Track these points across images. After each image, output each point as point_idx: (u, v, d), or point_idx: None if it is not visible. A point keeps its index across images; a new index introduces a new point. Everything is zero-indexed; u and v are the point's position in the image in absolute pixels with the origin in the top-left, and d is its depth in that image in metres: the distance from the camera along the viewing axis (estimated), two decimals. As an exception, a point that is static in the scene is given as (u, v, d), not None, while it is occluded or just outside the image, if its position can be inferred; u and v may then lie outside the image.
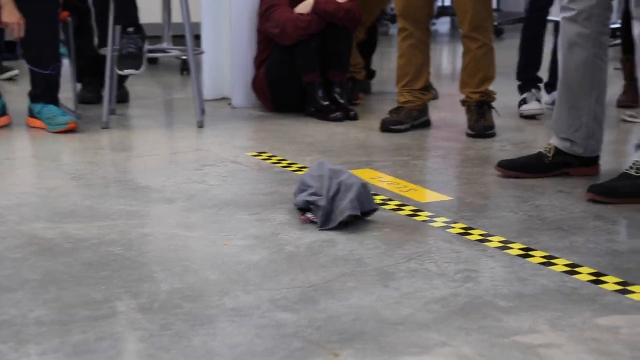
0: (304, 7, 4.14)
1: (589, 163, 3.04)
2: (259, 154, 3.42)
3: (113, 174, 3.14)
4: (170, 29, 4.71)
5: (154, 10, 4.89)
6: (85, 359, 1.67)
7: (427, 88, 3.97)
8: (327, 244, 2.33)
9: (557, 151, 3.02)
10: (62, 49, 4.05)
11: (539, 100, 4.06)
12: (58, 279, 2.08)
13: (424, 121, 3.95)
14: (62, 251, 2.28)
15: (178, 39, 4.57)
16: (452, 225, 2.50)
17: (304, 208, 2.55)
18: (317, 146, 3.56)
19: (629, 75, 4.33)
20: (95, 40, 4.56)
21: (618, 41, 5.53)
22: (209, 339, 1.76)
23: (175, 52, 4.62)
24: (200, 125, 3.95)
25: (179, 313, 1.88)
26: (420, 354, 1.69)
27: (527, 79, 4.21)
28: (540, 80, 4.22)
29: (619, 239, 2.37)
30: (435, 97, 4.57)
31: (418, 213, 2.61)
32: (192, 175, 3.08)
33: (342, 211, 2.43)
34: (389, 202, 2.73)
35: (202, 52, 4.49)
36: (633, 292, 1.99)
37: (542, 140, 3.55)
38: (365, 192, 2.49)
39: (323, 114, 4.11)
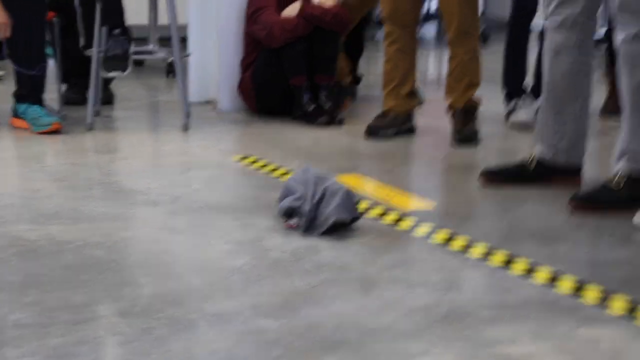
0: (291, 11, 4.14)
1: (572, 173, 3.05)
2: (244, 157, 3.42)
3: (97, 176, 3.13)
4: (156, 31, 4.70)
5: (141, 12, 4.87)
6: (65, 363, 1.67)
7: (414, 93, 3.98)
8: (310, 250, 2.33)
9: (540, 160, 3.03)
10: (48, 50, 4.03)
11: (527, 109, 4.07)
12: (39, 282, 2.07)
13: (410, 127, 3.95)
14: (45, 253, 2.27)
15: (164, 41, 4.56)
16: (436, 233, 2.50)
17: (288, 213, 2.55)
18: (303, 151, 3.56)
19: (613, 82, 4.35)
20: (82, 41, 4.54)
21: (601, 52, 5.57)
22: (190, 345, 1.75)
23: (161, 55, 4.61)
24: (186, 128, 3.94)
25: (161, 318, 1.87)
26: (401, 363, 1.69)
27: (513, 87, 4.22)
28: (527, 87, 4.23)
29: (601, 249, 2.38)
30: (421, 103, 4.58)
31: (402, 220, 2.62)
32: (176, 178, 3.08)
33: (327, 217, 2.43)
34: (373, 209, 2.73)
35: (188, 55, 4.48)
36: (614, 303, 2.00)
37: (526, 148, 3.56)
38: (349, 199, 2.49)
39: (309, 119, 4.11)
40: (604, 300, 2.01)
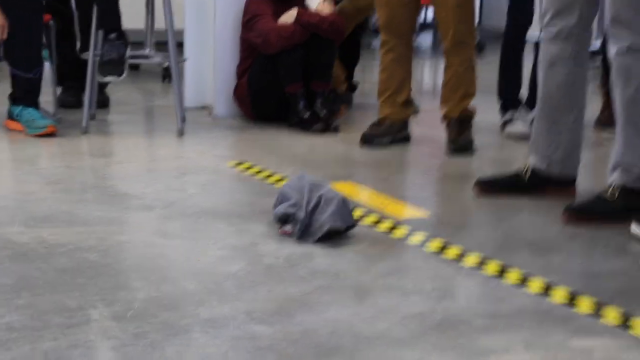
0: (287, 18, 4.15)
1: (566, 184, 3.05)
2: (239, 163, 3.42)
3: (92, 180, 3.12)
4: (153, 36, 4.70)
5: (137, 16, 4.87)
6: (57, 367, 1.66)
7: (409, 102, 3.98)
8: (305, 256, 2.33)
9: (535, 171, 3.04)
10: (44, 53, 4.03)
11: (523, 121, 4.08)
12: (32, 285, 2.06)
13: (405, 136, 3.96)
14: (37, 256, 2.26)
15: (161, 46, 4.56)
16: (430, 242, 2.50)
17: (283, 219, 2.54)
18: (298, 158, 3.56)
19: (607, 95, 4.36)
20: (78, 45, 4.54)
21: (597, 64, 5.59)
22: (183, 350, 1.75)
23: (157, 59, 4.61)
24: (181, 133, 3.94)
25: (154, 322, 1.87)
26: (395, 371, 1.69)
27: (509, 99, 4.23)
28: (522, 99, 4.24)
29: (595, 260, 2.38)
30: (416, 112, 4.58)
31: (396, 228, 2.62)
32: (171, 183, 3.07)
33: (321, 225, 2.43)
34: (367, 217, 2.73)
35: (184, 60, 4.48)
36: (608, 314, 2.00)
37: (521, 158, 3.57)
38: (345, 207, 2.49)
39: (305, 126, 4.11)
40: (598, 310, 2.02)
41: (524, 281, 2.20)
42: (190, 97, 4.64)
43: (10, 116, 3.89)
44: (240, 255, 2.32)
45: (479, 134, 3.90)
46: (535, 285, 2.17)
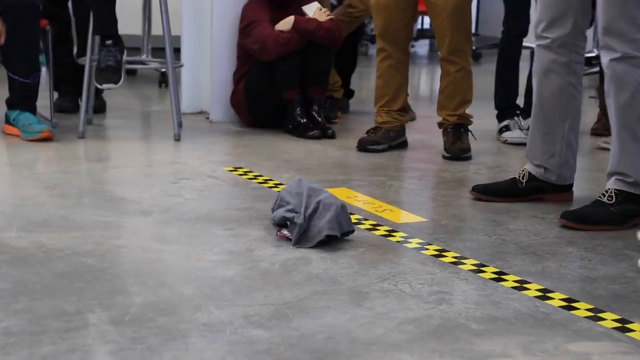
0: (284, 25, 4.16)
1: (563, 189, 3.07)
2: (236, 169, 3.42)
3: (88, 185, 3.12)
4: (150, 41, 4.72)
5: (134, 22, 4.89)
6: (55, 370, 1.66)
7: (405, 109, 3.99)
8: (301, 261, 2.33)
9: (531, 177, 3.05)
10: (41, 58, 4.03)
11: (521, 129, 4.09)
12: (29, 289, 2.06)
13: (401, 142, 3.97)
14: (35, 261, 2.26)
15: (157, 52, 4.57)
16: (427, 246, 2.51)
17: (281, 224, 2.55)
18: (294, 163, 3.56)
19: (604, 104, 4.38)
20: (75, 50, 4.54)
21: (595, 69, 5.61)
22: (181, 354, 1.75)
23: (154, 65, 4.62)
24: (178, 138, 3.94)
25: (152, 327, 1.87)
26: (392, 375, 1.69)
27: (505, 107, 4.24)
28: (519, 107, 4.25)
29: (592, 265, 2.39)
30: (412, 119, 4.60)
31: (393, 234, 2.62)
32: (168, 188, 3.07)
33: (319, 231, 2.44)
34: (364, 222, 2.73)
35: (181, 65, 4.49)
36: (605, 318, 2.00)
37: (518, 164, 3.58)
38: (343, 213, 2.50)
39: (301, 132, 4.12)
40: (595, 315, 2.02)
41: (521, 286, 2.20)
42: (187, 103, 4.65)
43: (8, 121, 3.89)
44: (237, 260, 2.32)
45: (476, 141, 3.91)
46: (532, 289, 2.18)
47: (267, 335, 1.84)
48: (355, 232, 2.56)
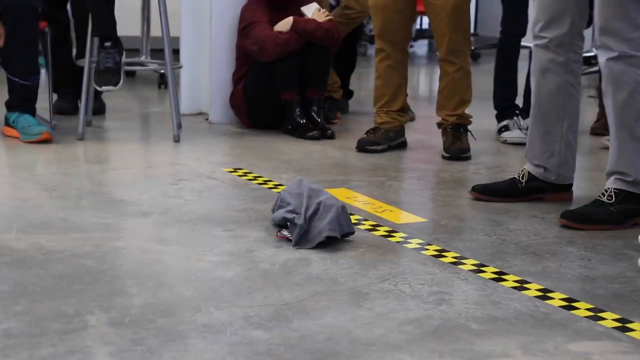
0: (283, 26, 4.16)
1: (562, 189, 3.07)
2: (235, 170, 3.42)
3: (88, 186, 3.12)
4: (148, 43, 4.72)
5: (133, 23, 4.89)
6: (54, 372, 1.66)
7: (404, 109, 3.99)
8: (301, 262, 2.33)
9: (531, 177, 3.05)
10: (40, 60, 4.03)
11: (520, 129, 4.09)
12: (29, 291, 2.06)
13: (401, 142, 3.97)
14: (34, 263, 2.26)
15: (156, 53, 4.57)
16: (427, 247, 2.50)
17: (281, 224, 2.55)
18: (294, 164, 3.56)
19: (603, 103, 4.38)
20: (74, 52, 4.54)
21: (594, 69, 5.61)
22: (180, 355, 1.74)
23: (153, 66, 4.62)
24: (177, 139, 3.94)
25: (151, 328, 1.86)
26: (392, 376, 1.69)
27: (504, 107, 4.24)
28: (518, 107, 4.25)
29: (592, 265, 2.39)
30: (412, 119, 4.60)
31: (393, 234, 2.62)
32: (167, 189, 3.07)
33: (320, 232, 2.43)
34: (364, 222, 2.73)
35: (180, 67, 4.49)
36: (605, 318, 2.00)
37: (517, 164, 3.58)
38: (344, 214, 2.49)
39: (300, 132, 4.12)
40: (595, 314, 2.02)
41: (521, 285, 2.20)
42: (186, 104, 4.65)
43: (7, 123, 3.90)
44: (237, 261, 2.32)
45: (475, 141, 3.91)
46: (532, 289, 2.17)
47: (267, 336, 1.84)
48: (355, 233, 2.56)
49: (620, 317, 2.01)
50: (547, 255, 2.46)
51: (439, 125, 3.90)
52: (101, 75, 3.86)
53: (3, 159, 3.56)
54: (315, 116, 4.19)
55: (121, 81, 3.88)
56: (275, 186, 3.16)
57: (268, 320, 1.92)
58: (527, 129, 3.61)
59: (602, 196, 2.77)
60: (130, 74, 6.07)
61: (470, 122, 3.88)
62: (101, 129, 4.25)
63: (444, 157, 3.76)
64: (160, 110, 4.90)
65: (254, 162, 3.57)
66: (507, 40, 4.18)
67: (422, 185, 3.33)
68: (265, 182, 3.23)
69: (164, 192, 3.03)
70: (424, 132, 4.32)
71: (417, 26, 9.06)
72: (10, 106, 3.89)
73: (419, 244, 2.53)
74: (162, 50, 4.02)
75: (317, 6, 4.26)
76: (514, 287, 2.19)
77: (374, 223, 2.73)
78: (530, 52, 3.09)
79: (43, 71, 4.35)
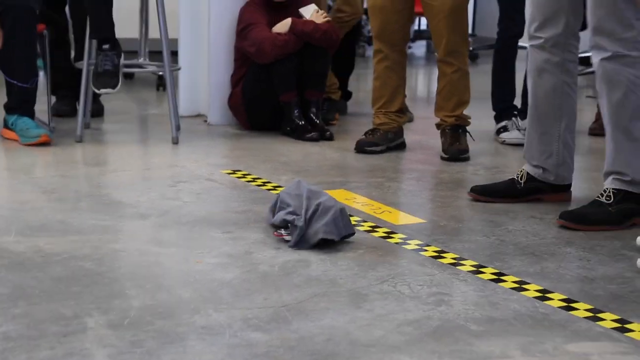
0: (281, 27, 4.16)
1: (561, 190, 3.07)
2: (234, 171, 3.42)
3: (86, 189, 3.12)
4: (147, 45, 4.71)
5: (131, 25, 4.88)
6: (53, 375, 1.66)
7: (403, 110, 3.99)
8: (300, 264, 2.33)
9: (529, 177, 3.05)
10: (38, 62, 4.03)
11: (519, 130, 4.09)
12: (28, 294, 2.06)
13: (399, 143, 3.97)
14: (33, 265, 2.25)
15: (155, 55, 4.57)
16: (426, 248, 2.50)
17: (281, 226, 2.54)
18: (292, 166, 3.56)
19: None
20: (72, 54, 4.54)
21: (592, 69, 5.61)
22: (179, 358, 1.74)
23: (151, 68, 4.62)
24: (175, 141, 3.94)
25: (150, 330, 1.86)
26: (391, 377, 1.69)
27: (503, 108, 4.24)
28: (516, 108, 4.25)
29: (590, 265, 2.39)
30: (410, 120, 4.60)
31: (392, 235, 2.62)
32: (166, 191, 3.07)
33: (315, 232, 2.43)
34: (362, 224, 2.73)
35: (178, 69, 4.49)
36: (603, 319, 2.00)
37: (515, 165, 3.58)
38: (342, 216, 2.49)
39: (299, 134, 4.12)
40: (594, 315, 2.02)
41: (520, 286, 2.20)
42: (185, 106, 4.64)
43: (6, 125, 3.90)
44: (236, 263, 2.32)
45: (474, 142, 3.91)
46: (531, 290, 2.17)
47: (266, 338, 1.84)
48: (355, 234, 2.56)
49: (619, 317, 2.01)
50: (546, 256, 2.46)
51: (438, 126, 3.90)
52: (99, 77, 3.85)
53: (2, 162, 3.55)
54: (314, 117, 4.19)
55: (119, 84, 3.88)
56: (274, 188, 3.16)
57: (267, 322, 1.92)
58: (525, 129, 3.61)
59: (600, 196, 2.77)
60: (129, 76, 6.07)
61: (468, 123, 3.88)
62: (99, 131, 4.25)
63: (442, 158, 3.76)
64: (158, 112, 4.89)
65: (253, 163, 3.57)
66: (504, 42, 4.18)
67: (420, 186, 3.33)
68: (264, 184, 3.23)
69: (163, 194, 3.03)
70: (423, 133, 4.32)
71: (416, 27, 9.07)
72: (8, 109, 3.89)
73: (418, 245, 2.53)
74: (160, 52, 4.02)
75: (316, 8, 4.26)
76: (513, 288, 2.19)
77: (373, 224, 2.73)
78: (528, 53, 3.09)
79: (41, 73, 4.34)
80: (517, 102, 4.28)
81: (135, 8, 4.51)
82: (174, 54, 4.44)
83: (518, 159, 3.74)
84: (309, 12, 4.23)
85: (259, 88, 4.20)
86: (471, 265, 2.35)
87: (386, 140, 3.90)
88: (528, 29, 2.95)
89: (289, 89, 4.14)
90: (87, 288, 2.10)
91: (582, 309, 2.06)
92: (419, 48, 9.25)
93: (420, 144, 4.07)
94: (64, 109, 4.50)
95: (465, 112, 3.86)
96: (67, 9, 4.54)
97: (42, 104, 4.10)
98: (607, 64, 2.66)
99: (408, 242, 2.56)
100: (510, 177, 3.10)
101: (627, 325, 1.96)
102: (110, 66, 3.86)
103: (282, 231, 2.50)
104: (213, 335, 1.85)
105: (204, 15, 4.48)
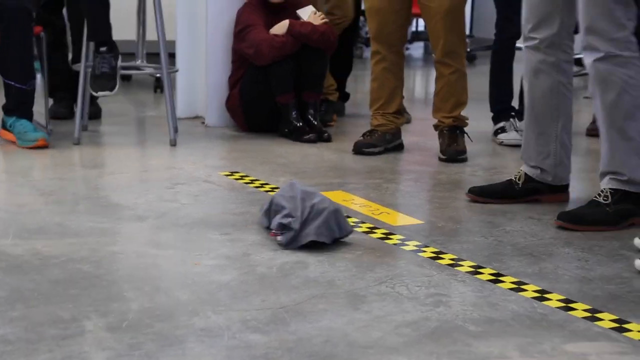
0: (279, 29, 4.16)
1: (559, 190, 3.07)
2: (232, 173, 3.42)
3: (84, 191, 3.12)
4: (144, 47, 4.70)
5: (128, 27, 4.88)
6: (51, 378, 1.65)
7: (401, 112, 3.99)
8: (298, 265, 2.33)
9: (527, 178, 3.05)
10: (35, 64, 4.03)
11: (517, 131, 4.10)
12: (25, 297, 2.05)
13: (397, 145, 3.97)
14: (30, 268, 2.25)
15: (152, 57, 4.56)
16: (424, 249, 2.50)
17: (279, 229, 2.54)
18: (290, 167, 3.56)
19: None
20: (70, 56, 4.54)
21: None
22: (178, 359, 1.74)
23: (149, 70, 4.61)
24: (173, 143, 3.94)
25: (148, 333, 1.86)
26: (390, 378, 1.69)
27: (500, 109, 4.24)
28: (514, 109, 4.25)
29: (588, 266, 2.39)
30: (408, 121, 4.60)
31: (390, 236, 2.62)
32: (163, 193, 3.07)
33: (307, 234, 2.43)
34: (360, 225, 2.73)
35: (176, 70, 4.48)
36: (602, 319, 2.00)
37: (513, 165, 3.58)
38: (336, 217, 2.49)
39: (296, 135, 4.12)
40: (592, 315, 2.02)
41: (518, 287, 2.20)
42: (182, 108, 4.64)
43: (4, 126, 3.89)
44: (234, 265, 2.32)
45: (471, 143, 3.91)
46: (530, 290, 2.17)
47: (264, 340, 1.84)
48: (352, 235, 2.56)
49: (617, 317, 2.01)
50: (544, 257, 2.46)
51: (435, 127, 3.90)
52: (97, 80, 3.85)
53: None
54: (312, 119, 4.19)
55: (117, 86, 3.88)
56: (272, 189, 3.16)
57: (265, 324, 1.92)
58: (523, 130, 3.62)
59: (598, 197, 2.77)
60: (126, 78, 6.07)
61: (466, 124, 3.88)
62: (97, 134, 4.24)
63: (440, 159, 3.76)
64: (156, 114, 4.89)
65: (251, 165, 3.57)
66: (501, 43, 4.18)
67: (418, 187, 3.33)
68: (261, 186, 3.22)
69: (160, 196, 3.03)
70: (420, 134, 4.32)
71: (413, 28, 9.06)
72: (7, 110, 3.89)
73: (416, 246, 2.53)
74: (157, 54, 4.02)
75: (313, 9, 4.26)
76: (511, 289, 2.19)
77: (371, 225, 2.73)
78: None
79: (39, 76, 4.34)
80: (515, 103, 4.28)
81: (133, 10, 4.51)
82: (172, 56, 4.44)
83: (516, 160, 3.74)
84: (307, 13, 4.23)
85: (257, 90, 4.20)
86: (469, 266, 2.35)
87: (384, 141, 3.90)
88: (523, 29, 2.96)
89: (286, 91, 4.14)
90: (85, 291, 2.10)
91: (580, 309, 2.06)
92: (416, 49, 9.25)
93: (418, 145, 4.07)
94: (62, 111, 4.49)
95: (463, 113, 3.86)
96: (64, 11, 4.54)
97: (40, 106, 4.10)
98: (600, 65, 2.67)
99: (406, 243, 2.56)
100: (508, 178, 3.10)
101: (625, 325, 1.97)
102: (107, 68, 3.86)
103: (277, 231, 2.50)
104: (212, 337, 1.85)
105: (201, 17, 4.47)
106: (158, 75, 5.32)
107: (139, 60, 4.45)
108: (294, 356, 1.76)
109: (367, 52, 7.47)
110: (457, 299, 2.10)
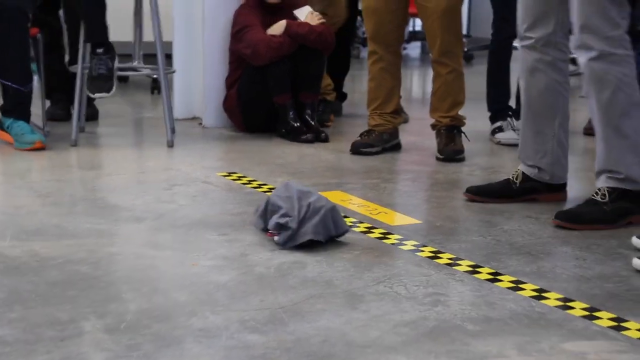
0: (276, 29, 4.16)
1: (556, 189, 3.07)
2: (229, 174, 3.42)
3: (81, 192, 3.12)
4: (141, 48, 4.72)
5: (125, 28, 4.88)
6: (50, 379, 1.65)
7: (398, 112, 4.00)
8: (296, 265, 2.33)
9: (525, 177, 3.05)
10: (32, 66, 4.02)
11: (514, 130, 4.10)
12: (23, 298, 2.05)
13: (395, 144, 3.97)
14: (28, 270, 2.25)
15: (149, 58, 4.56)
16: (422, 248, 2.50)
17: (277, 229, 2.54)
18: (288, 167, 3.56)
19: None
20: (67, 58, 4.54)
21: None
22: (177, 361, 1.74)
23: (146, 71, 4.62)
24: (171, 144, 3.93)
25: (147, 334, 1.86)
26: (388, 378, 1.69)
27: (498, 109, 4.24)
28: (511, 108, 4.26)
29: (586, 264, 2.39)
30: (405, 121, 4.60)
31: (387, 236, 2.62)
32: (161, 194, 3.07)
33: (304, 233, 2.43)
34: (358, 225, 2.73)
35: (173, 71, 4.48)
36: (600, 317, 2.00)
37: (511, 165, 3.58)
38: (332, 216, 2.49)
39: (294, 136, 4.12)
40: (591, 314, 2.02)
41: (516, 286, 2.20)
42: (180, 109, 4.64)
43: (2, 127, 3.89)
44: (232, 265, 2.32)
45: (469, 142, 3.91)
46: (528, 289, 2.17)
47: (262, 340, 1.84)
48: (349, 235, 2.56)
49: (615, 316, 2.01)
50: (542, 256, 2.46)
51: (433, 127, 3.90)
52: (94, 82, 3.85)
53: (-4, 166, 3.55)
54: (309, 119, 4.19)
55: (114, 87, 3.88)
56: (270, 190, 3.16)
57: (264, 324, 1.92)
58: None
59: (595, 195, 2.77)
60: (123, 79, 6.06)
61: (464, 124, 3.88)
62: (94, 135, 4.24)
63: (438, 159, 3.77)
64: (153, 115, 4.89)
65: (248, 166, 3.57)
66: (498, 43, 4.18)
67: (416, 187, 3.33)
68: (259, 186, 3.22)
69: (158, 197, 3.03)
70: (418, 134, 4.32)
71: (410, 28, 9.07)
72: (4, 111, 3.89)
73: (414, 245, 2.53)
74: (154, 55, 4.01)
75: (310, 9, 4.26)
76: (509, 288, 2.19)
77: (369, 225, 2.73)
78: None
79: (35, 77, 4.34)
80: (512, 102, 4.28)
81: (130, 11, 4.52)
82: (169, 57, 4.44)
83: (513, 159, 3.74)
84: (304, 14, 4.24)
85: (254, 90, 4.20)
86: (467, 266, 2.35)
87: (381, 141, 3.90)
88: (518, 29, 2.96)
89: (283, 91, 4.14)
90: (83, 292, 2.10)
91: (578, 308, 2.06)
92: (413, 49, 9.25)
93: (415, 145, 4.07)
94: (59, 113, 4.49)
95: (460, 112, 3.87)
96: (61, 12, 4.53)
97: (37, 108, 4.10)
98: (595, 64, 2.67)
99: (404, 242, 2.56)
100: (506, 178, 3.10)
101: (624, 324, 1.97)
102: (104, 70, 3.85)
103: (274, 231, 2.50)
104: (210, 338, 1.85)
105: (198, 18, 4.47)
106: (155, 76, 5.31)
107: (136, 62, 4.45)
108: (292, 356, 1.76)
109: (365, 52, 7.48)
110: (455, 298, 2.10)
